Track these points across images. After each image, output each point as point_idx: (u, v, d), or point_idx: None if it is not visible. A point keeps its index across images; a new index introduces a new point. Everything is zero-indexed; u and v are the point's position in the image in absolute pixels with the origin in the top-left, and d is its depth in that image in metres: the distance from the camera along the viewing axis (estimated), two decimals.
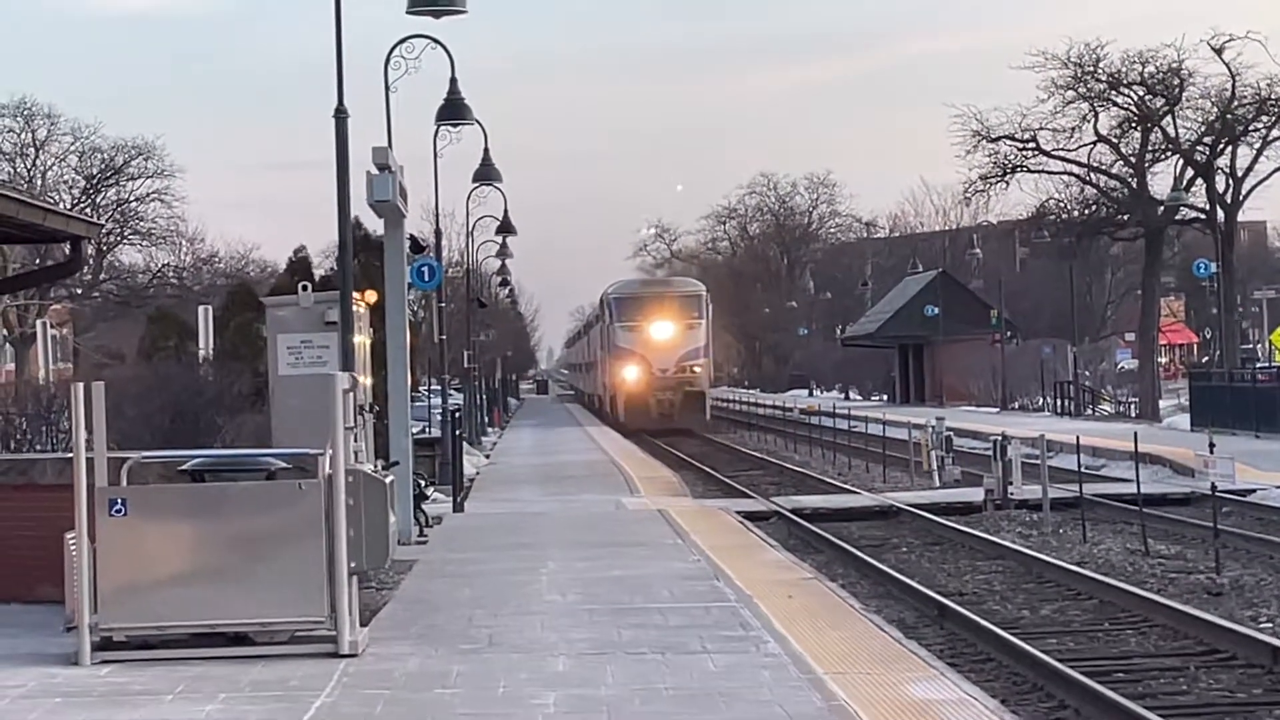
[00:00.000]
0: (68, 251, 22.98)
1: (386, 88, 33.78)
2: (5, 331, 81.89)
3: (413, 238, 38.09)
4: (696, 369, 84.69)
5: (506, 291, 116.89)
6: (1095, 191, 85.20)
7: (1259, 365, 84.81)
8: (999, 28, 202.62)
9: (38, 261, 27.06)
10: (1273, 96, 79.25)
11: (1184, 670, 20.20)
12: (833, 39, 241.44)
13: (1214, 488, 33.05)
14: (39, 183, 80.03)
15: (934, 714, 14.58)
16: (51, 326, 74.82)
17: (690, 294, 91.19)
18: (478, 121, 43.19)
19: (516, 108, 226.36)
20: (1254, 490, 38.63)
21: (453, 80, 37.24)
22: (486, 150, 52.20)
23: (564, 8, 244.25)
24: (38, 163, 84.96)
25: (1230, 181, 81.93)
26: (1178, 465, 45.72)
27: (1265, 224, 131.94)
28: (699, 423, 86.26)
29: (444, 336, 63.23)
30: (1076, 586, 27.14)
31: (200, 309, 56.70)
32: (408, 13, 27.13)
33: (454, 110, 38.63)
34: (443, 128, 42.64)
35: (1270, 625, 22.77)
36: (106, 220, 79.89)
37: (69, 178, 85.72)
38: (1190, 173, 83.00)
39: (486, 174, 54.35)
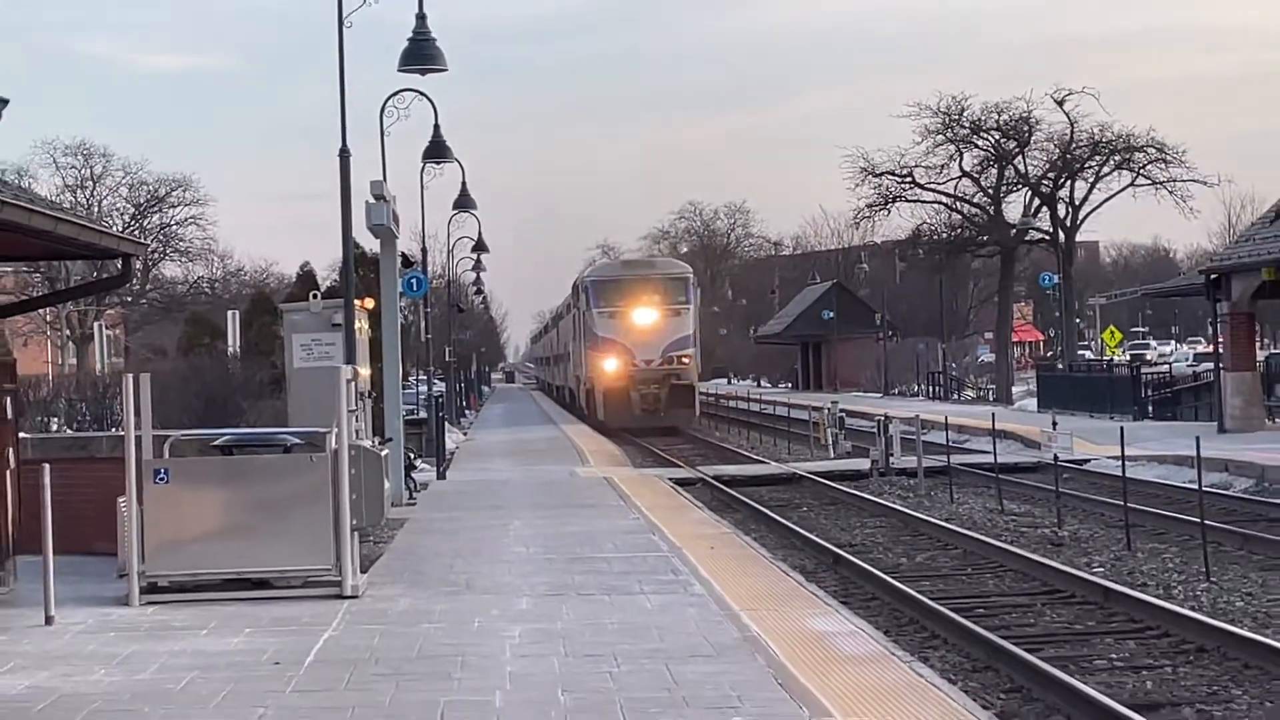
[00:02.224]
0: (119, 267, 22.84)
1: (382, 132, 33.76)
2: (68, 332, 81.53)
3: (403, 255, 38.03)
4: (685, 360, 61.41)
5: (480, 299, 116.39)
6: (960, 217, 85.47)
7: (1092, 359, 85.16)
8: (883, 84, 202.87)
9: (95, 275, 26.95)
10: (1104, 140, 79.71)
11: (1032, 606, 20.31)
12: (748, 94, 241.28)
13: (1056, 458, 33.15)
14: (95, 210, 79.60)
15: (830, 643, 14.63)
16: (106, 328, 74.65)
17: (676, 276, 66.23)
18: (457, 160, 43.37)
19: (492, 146, 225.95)
20: (1088, 460, 38.76)
21: (436, 126, 37.30)
22: (464, 183, 52.35)
23: (531, 67, 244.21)
24: (95, 193, 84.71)
25: (1069, 209, 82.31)
26: (1027, 440, 45.84)
27: (1098, 244, 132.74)
28: (687, 420, 64.12)
29: (429, 336, 63.83)
30: (945, 539, 27.22)
31: (228, 313, 56.68)
32: (399, 70, 27.09)
33: (437, 151, 38.71)
34: (428, 165, 42.57)
35: (1101, 569, 22.84)
36: (151, 241, 79.67)
37: (120, 206, 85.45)
38: (1037, 202, 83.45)
39: (464, 203, 54.83)
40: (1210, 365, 76.87)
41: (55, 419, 37.67)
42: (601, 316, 62.53)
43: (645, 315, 61.79)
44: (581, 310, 67.65)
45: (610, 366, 61.62)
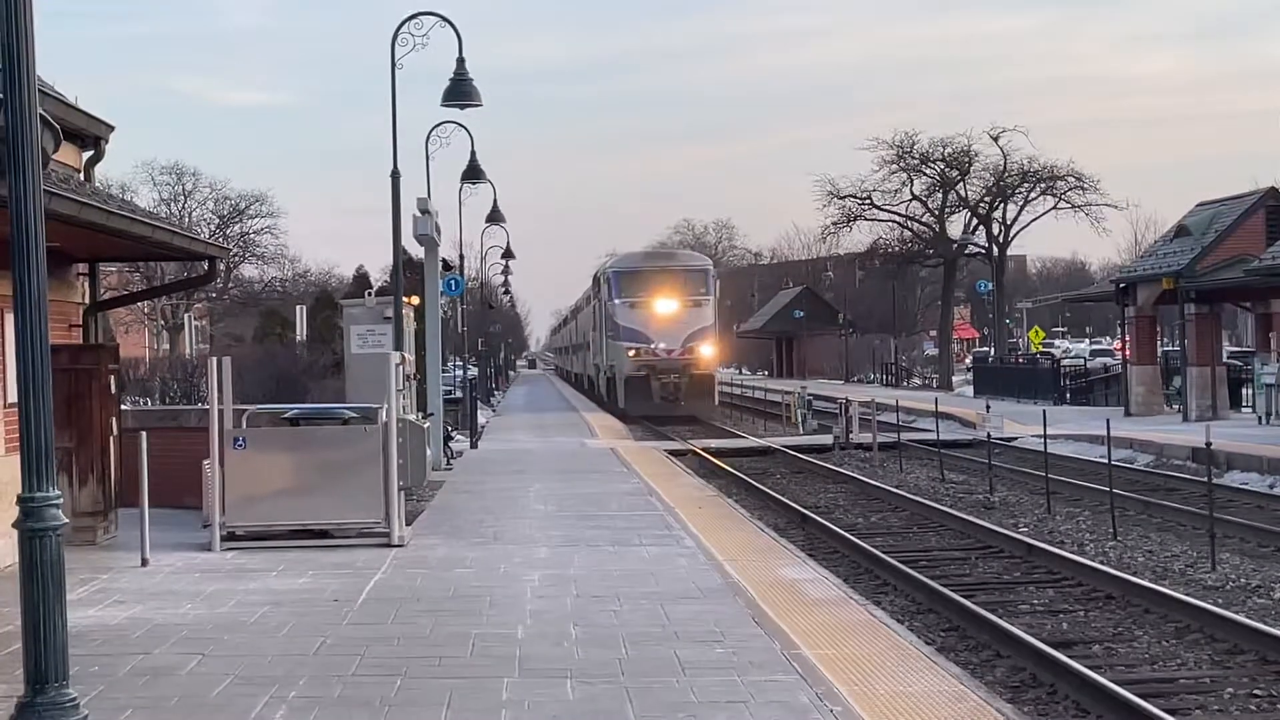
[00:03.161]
0: (205, 267, 22.85)
1: (427, 156, 33.83)
2: (162, 322, 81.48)
3: (444, 260, 38.00)
4: (704, 350, 54.11)
5: (508, 297, 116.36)
6: (910, 234, 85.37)
7: (1019, 353, 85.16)
8: (849, 120, 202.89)
9: (185, 274, 27.02)
10: (1031, 170, 79.77)
11: (967, 559, 20.36)
12: (739, 128, 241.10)
13: (989, 436, 33.07)
14: (186, 220, 79.48)
15: (798, 589, 14.66)
16: (194, 319, 74.58)
17: (697, 268, 58.57)
18: (489, 181, 43.17)
19: (520, 167, 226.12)
20: (1016, 438, 38.73)
21: (472, 152, 37.33)
22: (495, 201, 52.14)
23: (555, 103, 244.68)
24: (185, 206, 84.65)
25: (1002, 228, 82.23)
26: (964, 421, 45.85)
27: (1025, 257, 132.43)
28: (707, 409, 55.47)
29: (465, 328, 63.51)
30: (895, 502, 27.24)
31: (296, 308, 56.65)
32: (441, 105, 27.02)
33: (474, 173, 38.73)
34: (465, 185, 42.59)
35: (1026, 529, 22.85)
36: (232, 246, 79.44)
37: (207, 217, 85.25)
38: (975, 221, 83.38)
39: (495, 217, 54.52)
40: (1104, 358, 77.98)
41: (151, 396, 37.68)
42: (623, 306, 54.84)
43: (666, 306, 54.21)
44: (603, 301, 59.01)
45: (631, 355, 53.77)
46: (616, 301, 55.32)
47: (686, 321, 54.06)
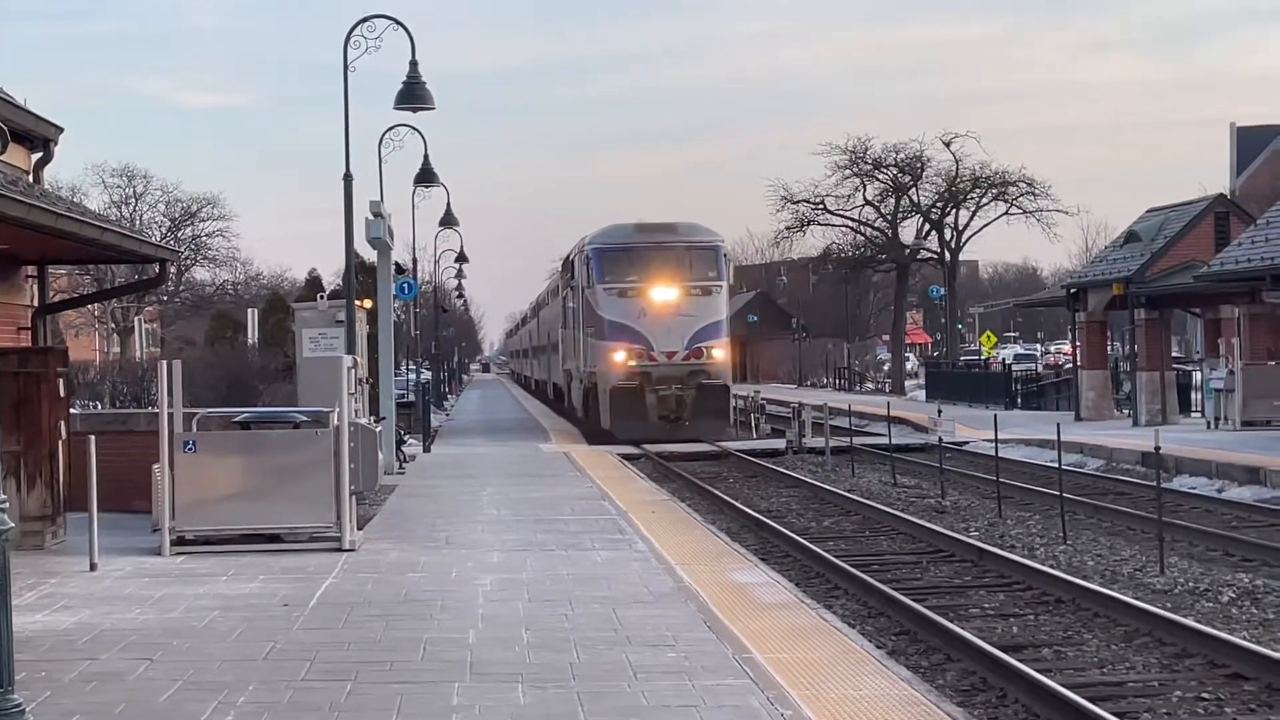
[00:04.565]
0: (156, 270, 22.79)
1: (380, 160, 33.83)
2: (112, 325, 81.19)
3: (397, 264, 38.01)
4: (717, 353, 40.50)
5: (461, 301, 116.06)
6: (863, 239, 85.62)
7: (971, 358, 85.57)
8: (804, 126, 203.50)
9: (135, 277, 26.94)
10: (983, 176, 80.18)
11: (919, 563, 20.39)
12: (689, 131, 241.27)
13: (940, 440, 33.30)
14: (137, 223, 79.13)
15: (749, 592, 14.71)
16: (145, 322, 74.30)
17: (705, 244, 42.81)
18: (443, 184, 43.16)
19: (474, 171, 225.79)
20: (967, 442, 38.93)
21: (425, 156, 37.30)
22: (449, 204, 52.24)
23: (510, 107, 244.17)
24: (137, 209, 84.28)
25: (954, 233, 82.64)
26: (917, 425, 45.99)
27: (977, 262, 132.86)
28: (718, 431, 42.23)
29: (418, 332, 63.38)
30: (847, 506, 27.28)
31: (248, 311, 56.47)
32: (394, 108, 26.98)
33: (426, 176, 38.70)
34: (418, 188, 42.54)
35: (977, 533, 22.92)
36: (184, 249, 79.27)
37: (158, 220, 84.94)
38: (927, 226, 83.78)
39: (449, 220, 54.56)
40: (1027, 363, 78.45)
41: (101, 399, 37.54)
42: (608, 295, 40.26)
43: (666, 294, 40.01)
44: (580, 289, 44.37)
45: (619, 360, 39.62)
46: (600, 288, 40.62)
47: (693, 315, 40.08)
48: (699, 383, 39.76)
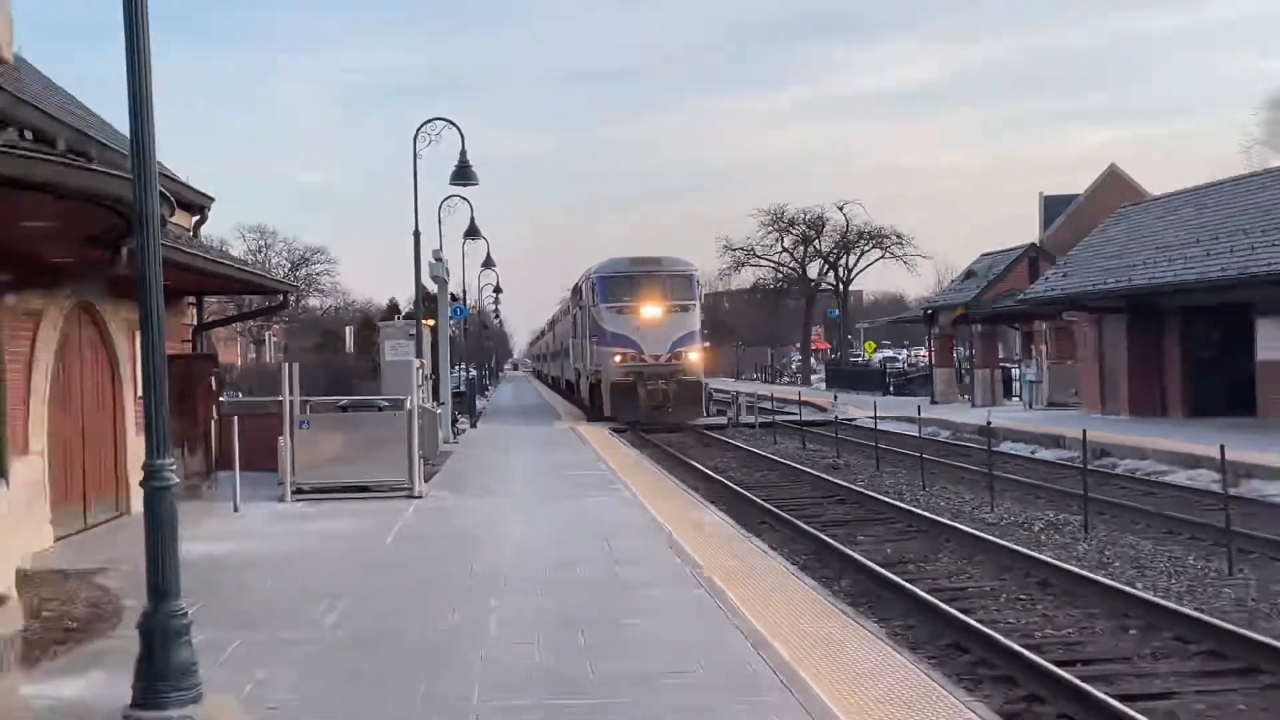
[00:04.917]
0: (280, 300, 22.74)
1: (439, 220, 33.89)
2: (249, 338, 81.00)
3: (452, 294, 37.88)
4: (692, 356, 39.69)
5: (497, 320, 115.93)
6: (781, 276, 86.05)
7: (857, 360, 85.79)
8: (738, 195, 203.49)
9: (266, 304, 26.86)
10: (866, 231, 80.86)
11: (822, 504, 20.28)
12: (654, 196, 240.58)
13: (836, 417, 33.23)
14: (267, 266, 78.89)
15: (702, 526, 14.67)
16: (271, 336, 74.23)
17: (683, 273, 41.65)
18: (484, 237, 43.05)
19: (507, 224, 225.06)
20: (855, 419, 38.80)
21: (471, 217, 37.09)
22: (488, 251, 51.81)
23: (532, 166, 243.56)
24: (266, 256, 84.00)
25: (845, 271, 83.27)
26: (819, 406, 45.84)
27: (861, 292, 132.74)
28: (694, 416, 40.00)
29: (466, 342, 63.11)
30: (771, 465, 27.20)
31: (346, 328, 56.47)
32: (450, 184, 27.01)
33: (472, 232, 38.46)
34: (466, 240, 42.42)
35: (863, 483, 22.86)
36: (300, 284, 79.02)
37: (281, 263, 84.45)
38: (827, 267, 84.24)
39: (489, 263, 54.18)
40: (893, 363, 78.59)
41: (241, 390, 37.50)
42: (609, 312, 38.98)
43: (653, 311, 38.57)
44: (587, 308, 42.69)
45: (618, 361, 38.29)
46: (602, 307, 39.29)
47: (674, 327, 38.62)
48: (679, 379, 37.74)
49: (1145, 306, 33.18)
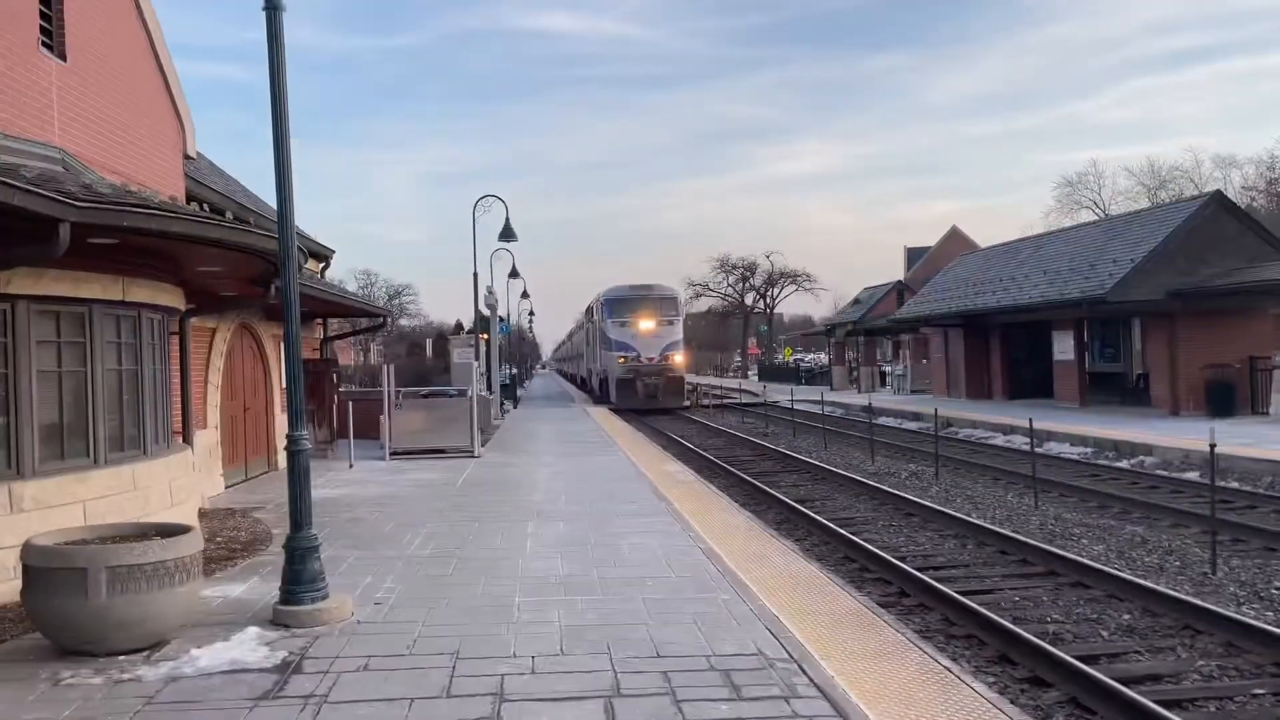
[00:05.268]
0: (383, 320, 22.61)
1: (490, 265, 34.73)
2: (360, 346, 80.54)
3: (502, 317, 37.74)
4: (677, 358, 38.30)
5: (531, 333, 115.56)
6: (726, 304, 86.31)
7: (780, 362, 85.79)
8: (696, 248, 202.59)
9: (371, 324, 26.69)
10: (785, 271, 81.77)
11: (754, 460, 20.19)
12: (632, 251, 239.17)
13: (766, 400, 33.19)
14: (371, 297, 78.57)
15: (674, 476, 14.55)
16: (376, 345, 73.78)
17: (669, 296, 40.55)
18: (522, 277, 42.77)
19: (540, 263, 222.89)
20: (778, 401, 38.85)
21: (513, 263, 36.53)
22: (525, 288, 51.40)
23: (561, 232, 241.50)
24: (372, 290, 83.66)
25: (771, 300, 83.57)
26: (753, 393, 45.87)
27: (782, 314, 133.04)
28: (678, 403, 38.04)
29: (509, 349, 62.67)
30: (720, 434, 27.06)
31: (427, 340, 56.24)
32: (498, 240, 26.78)
33: (514, 273, 38.03)
34: (510, 280, 42.23)
35: (784, 445, 22.84)
36: (395, 310, 78.78)
37: (381, 295, 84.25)
38: (758, 297, 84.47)
39: (526, 294, 53.77)
40: (806, 363, 78.74)
41: (354, 383, 37.31)
42: (614, 325, 37.54)
43: (647, 324, 37.18)
44: (597, 323, 41.10)
45: (621, 362, 36.81)
46: (609, 321, 37.88)
47: (663, 336, 37.22)
48: (667, 375, 36.34)
49: (977, 323, 33.28)
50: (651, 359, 36.61)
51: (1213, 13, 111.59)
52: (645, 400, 35.86)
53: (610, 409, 35.01)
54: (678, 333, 37.41)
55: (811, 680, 5.21)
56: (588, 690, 5.11)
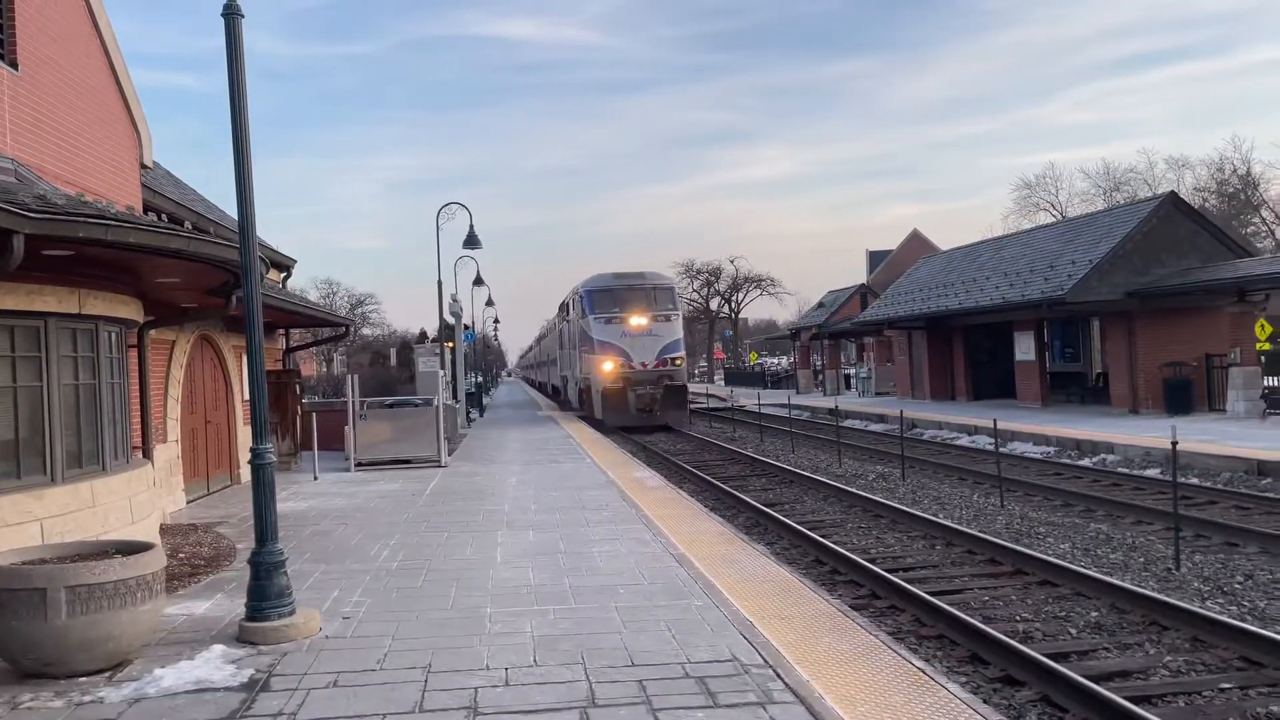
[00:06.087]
0: (346, 330, 22.39)
1: (454, 273, 34.08)
2: (322, 356, 79.73)
3: (467, 325, 37.52)
4: (678, 362, 29.36)
5: (497, 341, 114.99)
6: (694, 308, 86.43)
7: (745, 366, 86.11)
8: (661, 252, 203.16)
9: (333, 333, 26.33)
10: (750, 276, 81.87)
11: (723, 465, 20.13)
12: (605, 256, 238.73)
13: (732, 405, 33.26)
14: (333, 307, 77.72)
15: (643, 482, 14.50)
16: (338, 355, 72.99)
17: (664, 286, 31.05)
18: (487, 285, 42.60)
19: (505, 271, 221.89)
20: (745, 405, 38.99)
21: (478, 271, 36.52)
22: (489, 296, 51.27)
23: (524, 239, 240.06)
24: (333, 299, 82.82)
25: (736, 304, 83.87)
26: (720, 397, 46.06)
27: (748, 319, 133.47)
28: (679, 419, 29.66)
29: (474, 357, 62.27)
30: (691, 440, 26.93)
31: (391, 349, 55.70)
32: (462, 247, 26.77)
33: (479, 280, 37.97)
34: (474, 287, 42.06)
35: (751, 449, 22.84)
36: (357, 319, 78.04)
37: (343, 304, 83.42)
38: (723, 301, 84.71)
39: (490, 302, 53.40)
40: (770, 366, 79.25)
41: (317, 394, 36.85)
42: (598, 323, 29.45)
43: (639, 321, 29.25)
44: (574, 320, 32.95)
45: (609, 369, 29.10)
46: (591, 318, 29.71)
47: (659, 335, 29.30)
48: (666, 384, 29.00)
49: (940, 325, 33.65)
50: (646, 364, 28.99)
51: (1165, 18, 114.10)
52: (639, 415, 28.88)
53: (576, 415, 34.21)
54: (677, 330, 29.63)
55: (787, 685, 5.20)
56: (563, 701, 5.07)
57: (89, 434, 8.59)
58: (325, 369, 78.52)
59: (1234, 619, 7.37)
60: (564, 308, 37.52)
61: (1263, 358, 23.29)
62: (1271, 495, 12.69)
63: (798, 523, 12.34)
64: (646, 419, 28.88)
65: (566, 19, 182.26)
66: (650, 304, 29.59)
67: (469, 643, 6.16)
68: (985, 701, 6.10)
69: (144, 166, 12.02)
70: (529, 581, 7.95)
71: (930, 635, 7.64)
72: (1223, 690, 6.18)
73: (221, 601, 7.60)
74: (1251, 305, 23.71)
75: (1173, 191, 28.51)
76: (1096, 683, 6.08)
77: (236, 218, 6.76)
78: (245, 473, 16.05)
